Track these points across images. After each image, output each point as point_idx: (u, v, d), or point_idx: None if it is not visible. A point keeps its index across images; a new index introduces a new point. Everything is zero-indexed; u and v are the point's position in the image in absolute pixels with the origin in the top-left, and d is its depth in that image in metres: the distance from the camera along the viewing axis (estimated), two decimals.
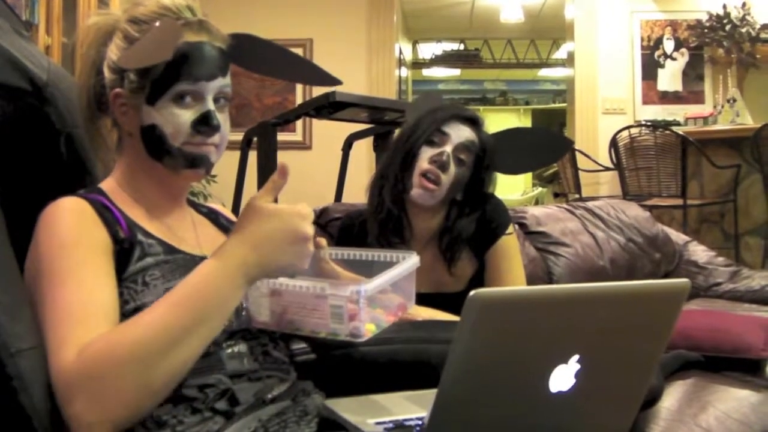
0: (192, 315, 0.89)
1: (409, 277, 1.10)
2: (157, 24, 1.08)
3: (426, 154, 1.65)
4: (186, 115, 1.08)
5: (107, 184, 1.13)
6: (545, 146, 1.80)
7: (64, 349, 0.87)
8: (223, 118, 1.12)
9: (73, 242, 0.97)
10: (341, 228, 1.82)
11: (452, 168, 1.65)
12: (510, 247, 1.72)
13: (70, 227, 0.99)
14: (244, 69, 1.21)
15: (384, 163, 1.75)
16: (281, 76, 1.33)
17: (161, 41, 1.05)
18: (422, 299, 1.45)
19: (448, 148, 1.65)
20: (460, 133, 1.66)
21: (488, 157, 1.70)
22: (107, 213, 1.03)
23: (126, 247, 1.01)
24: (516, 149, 1.77)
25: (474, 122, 1.70)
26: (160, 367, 0.87)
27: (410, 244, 1.70)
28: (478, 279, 1.71)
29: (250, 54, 1.18)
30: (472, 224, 1.69)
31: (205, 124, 1.08)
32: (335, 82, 1.25)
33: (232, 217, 1.31)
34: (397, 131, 1.87)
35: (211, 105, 1.09)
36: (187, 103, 1.08)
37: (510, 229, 1.73)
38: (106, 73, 1.11)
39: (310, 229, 0.95)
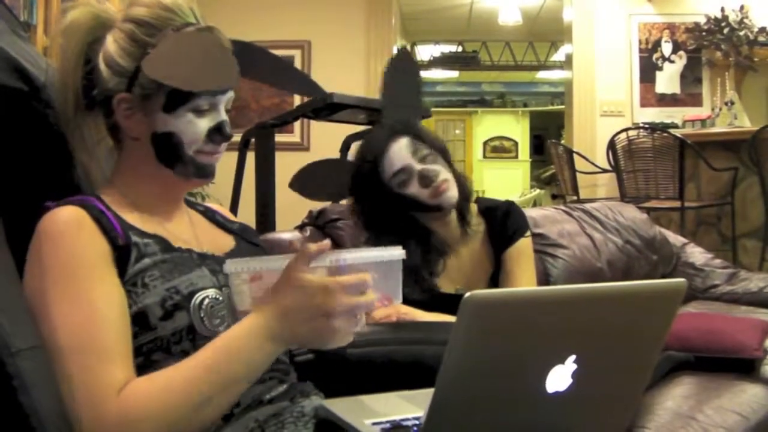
0: (223, 378, 0.93)
1: (394, 267, 1.07)
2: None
3: (409, 185, 1.65)
4: (203, 124, 1.10)
5: (104, 187, 1.13)
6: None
7: (94, 386, 0.91)
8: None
9: (78, 258, 0.98)
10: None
11: (433, 165, 1.66)
12: (524, 249, 1.78)
13: (73, 240, 0.98)
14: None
15: (365, 206, 1.72)
16: (272, 84, 1.32)
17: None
18: (444, 299, 1.57)
19: (412, 164, 1.64)
20: (402, 146, 1.65)
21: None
22: (103, 218, 1.02)
23: (123, 252, 1.01)
24: None
25: (406, 132, 1.69)
26: (190, 424, 0.92)
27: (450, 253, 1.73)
28: (495, 279, 1.77)
29: (245, 60, 1.18)
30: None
31: (219, 133, 1.11)
32: (323, 93, 1.25)
33: (230, 216, 1.31)
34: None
35: (224, 115, 1.12)
36: (205, 113, 1.10)
37: (527, 233, 1.80)
38: (106, 73, 1.08)
39: (332, 303, 0.90)
